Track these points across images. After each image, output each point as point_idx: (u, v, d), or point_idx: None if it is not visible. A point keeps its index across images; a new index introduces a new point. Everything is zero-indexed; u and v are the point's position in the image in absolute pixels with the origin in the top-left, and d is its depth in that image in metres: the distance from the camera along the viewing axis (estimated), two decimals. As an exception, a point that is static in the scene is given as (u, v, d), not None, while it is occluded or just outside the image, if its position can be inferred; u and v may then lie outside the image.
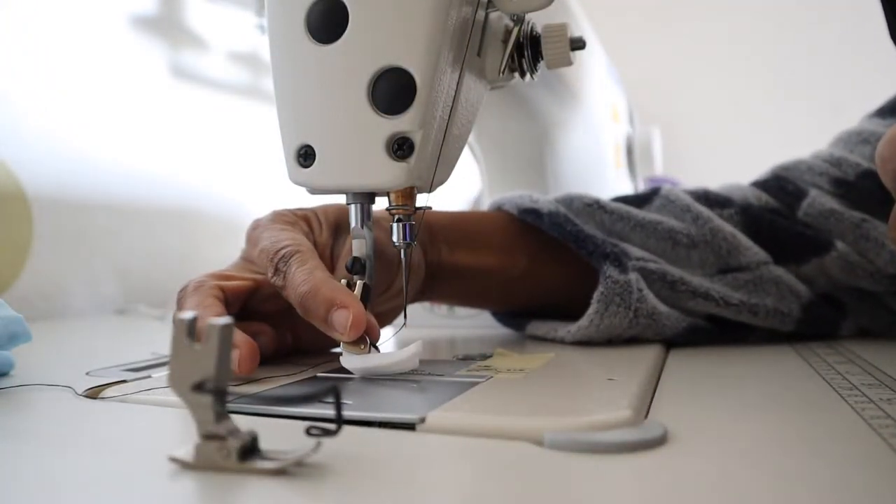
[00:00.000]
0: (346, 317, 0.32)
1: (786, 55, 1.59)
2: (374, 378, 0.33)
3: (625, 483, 0.20)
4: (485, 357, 0.38)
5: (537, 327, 0.45)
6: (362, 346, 0.33)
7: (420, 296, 0.45)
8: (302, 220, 0.39)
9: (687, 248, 0.44)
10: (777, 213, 0.47)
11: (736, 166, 0.98)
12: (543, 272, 0.46)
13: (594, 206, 0.46)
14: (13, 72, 0.72)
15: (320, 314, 0.32)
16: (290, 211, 0.40)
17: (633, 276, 0.41)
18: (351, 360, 0.33)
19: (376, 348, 0.33)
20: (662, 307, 0.42)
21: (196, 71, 0.97)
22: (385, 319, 0.42)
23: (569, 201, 0.46)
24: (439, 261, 0.43)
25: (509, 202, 0.47)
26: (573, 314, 0.42)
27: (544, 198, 0.46)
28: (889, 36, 0.37)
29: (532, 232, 0.45)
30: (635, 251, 0.43)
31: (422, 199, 0.34)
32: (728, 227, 0.45)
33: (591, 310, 0.41)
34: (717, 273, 0.44)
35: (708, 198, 0.48)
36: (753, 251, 0.44)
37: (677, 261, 0.44)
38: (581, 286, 0.43)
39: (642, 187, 1.05)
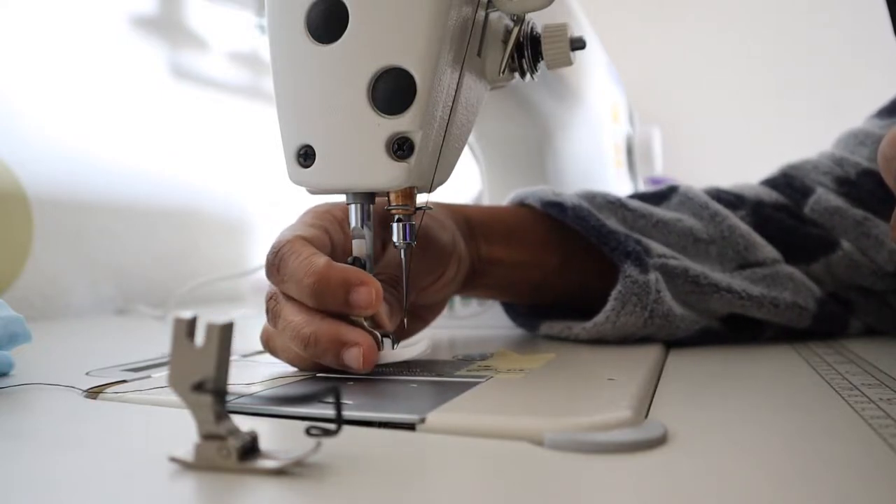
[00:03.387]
0: (368, 292, 0.31)
1: (786, 55, 1.59)
2: (376, 378, 0.33)
3: (625, 483, 0.20)
4: (485, 357, 0.38)
5: (551, 327, 0.45)
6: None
7: (462, 289, 0.44)
8: (340, 209, 0.38)
9: (706, 244, 0.44)
10: (785, 209, 0.48)
11: (736, 166, 0.98)
12: (575, 266, 0.46)
13: (616, 203, 0.46)
14: (13, 72, 0.72)
15: (339, 297, 0.31)
16: (327, 203, 0.39)
17: (653, 277, 0.41)
18: None
19: (390, 339, 0.34)
20: (678, 309, 0.42)
21: (196, 71, 0.97)
22: (433, 312, 0.42)
23: (591, 197, 0.46)
24: (478, 255, 0.43)
25: (532, 196, 0.46)
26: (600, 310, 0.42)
27: (567, 192, 0.46)
28: (894, 32, 0.37)
29: (562, 227, 0.45)
30: (658, 248, 0.43)
31: (421, 200, 0.34)
32: (743, 225, 0.45)
33: (607, 307, 0.41)
34: (736, 269, 0.44)
35: (720, 198, 0.48)
36: (768, 248, 0.44)
37: (697, 256, 0.44)
38: (611, 282, 0.42)
39: (643, 187, 1.05)
